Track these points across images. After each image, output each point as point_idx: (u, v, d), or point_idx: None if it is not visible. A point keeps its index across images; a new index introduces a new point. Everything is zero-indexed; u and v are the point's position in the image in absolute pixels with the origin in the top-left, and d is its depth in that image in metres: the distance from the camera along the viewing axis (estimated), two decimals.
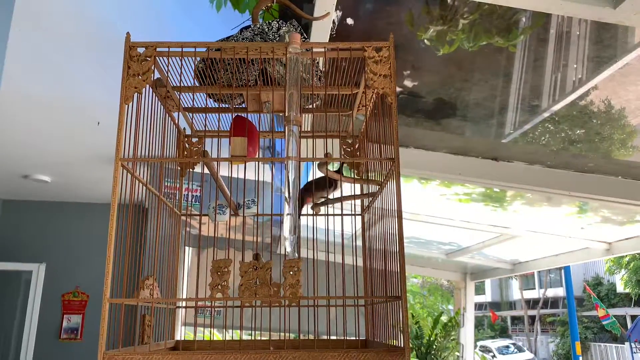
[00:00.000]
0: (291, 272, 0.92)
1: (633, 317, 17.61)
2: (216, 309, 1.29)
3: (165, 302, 1.25)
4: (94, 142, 4.12)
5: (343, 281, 1.12)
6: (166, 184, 1.34)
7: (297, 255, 0.99)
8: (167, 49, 1.01)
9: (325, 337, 1.26)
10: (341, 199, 1.42)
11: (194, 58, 1.10)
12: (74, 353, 5.75)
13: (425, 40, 2.13)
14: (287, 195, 1.00)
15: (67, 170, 4.99)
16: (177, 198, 1.39)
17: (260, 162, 1.13)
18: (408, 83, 2.46)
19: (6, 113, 3.74)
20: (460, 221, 4.14)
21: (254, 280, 0.90)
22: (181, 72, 1.07)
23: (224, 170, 1.38)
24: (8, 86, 3.35)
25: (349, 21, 1.92)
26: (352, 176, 1.41)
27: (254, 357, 0.83)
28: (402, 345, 0.95)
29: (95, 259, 5.97)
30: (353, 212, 1.47)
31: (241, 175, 1.20)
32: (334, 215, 1.40)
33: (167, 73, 1.07)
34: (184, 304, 1.40)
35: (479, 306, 24.87)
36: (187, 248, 5.42)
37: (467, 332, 6.05)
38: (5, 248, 5.85)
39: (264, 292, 0.90)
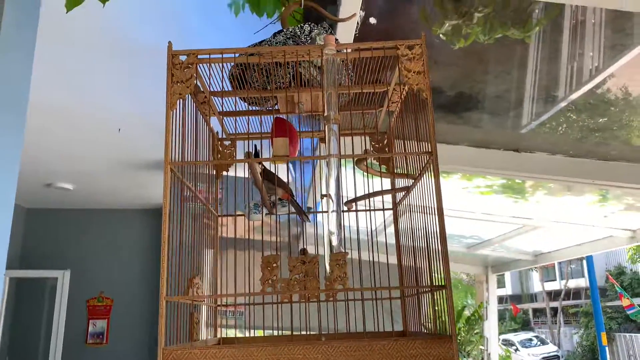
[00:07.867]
0: (338, 265, 0.95)
1: None
2: (256, 306, 1.33)
3: (213, 299, 1.30)
4: (115, 149, 4.18)
5: (388, 275, 1.15)
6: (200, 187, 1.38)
7: (343, 249, 1.02)
8: (207, 56, 1.05)
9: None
10: (370, 195, 1.44)
11: (227, 63, 1.13)
12: (101, 357, 5.85)
13: (441, 35, 2.14)
14: (330, 192, 1.03)
15: (88, 178, 5.07)
16: (213, 200, 1.44)
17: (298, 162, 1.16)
18: None
19: (29, 122, 3.81)
20: (482, 214, 4.15)
21: (302, 274, 0.94)
22: (222, 77, 1.11)
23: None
24: (31, 95, 3.41)
25: (372, 20, 1.95)
26: (382, 171, 1.43)
27: (307, 346, 0.87)
28: (449, 333, 0.98)
29: (118, 264, 6.07)
30: (383, 207, 1.49)
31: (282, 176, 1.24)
32: (365, 210, 1.43)
33: (209, 79, 1.11)
34: (229, 301, 1.44)
35: (499, 299, 24.65)
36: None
37: (491, 325, 6.04)
38: (31, 256, 5.97)
39: (314, 286, 0.94)
